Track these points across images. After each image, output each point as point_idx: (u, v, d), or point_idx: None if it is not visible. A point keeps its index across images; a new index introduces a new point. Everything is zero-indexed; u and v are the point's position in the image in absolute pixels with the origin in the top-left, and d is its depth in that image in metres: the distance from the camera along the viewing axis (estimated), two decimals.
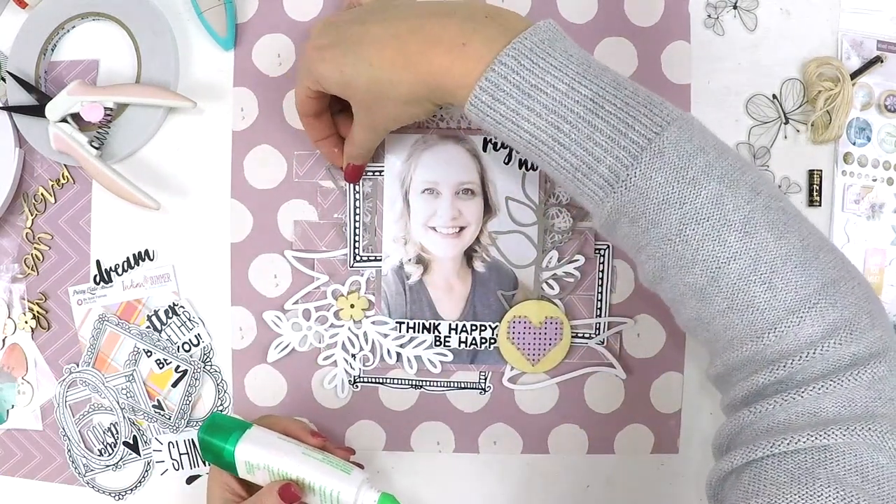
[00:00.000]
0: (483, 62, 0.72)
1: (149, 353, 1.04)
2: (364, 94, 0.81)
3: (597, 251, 1.02)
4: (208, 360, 1.05)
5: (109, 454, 1.05)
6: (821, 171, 1.03)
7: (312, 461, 0.85)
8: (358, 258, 1.02)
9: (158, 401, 1.05)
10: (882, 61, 1.02)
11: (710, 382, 0.80)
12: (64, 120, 1.00)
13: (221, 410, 1.05)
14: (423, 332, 1.03)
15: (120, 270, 1.05)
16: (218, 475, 0.89)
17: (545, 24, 0.74)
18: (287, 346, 1.03)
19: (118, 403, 1.05)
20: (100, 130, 1.02)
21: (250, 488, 0.88)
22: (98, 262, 1.05)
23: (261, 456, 0.84)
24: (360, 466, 0.89)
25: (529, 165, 1.01)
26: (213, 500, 0.89)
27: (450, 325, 1.03)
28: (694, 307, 0.72)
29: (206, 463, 1.04)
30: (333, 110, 0.96)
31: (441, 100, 0.78)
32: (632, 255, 0.77)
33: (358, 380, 1.04)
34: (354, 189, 1.02)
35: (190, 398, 1.04)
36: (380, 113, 0.83)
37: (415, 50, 0.76)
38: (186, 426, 1.05)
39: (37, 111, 1.01)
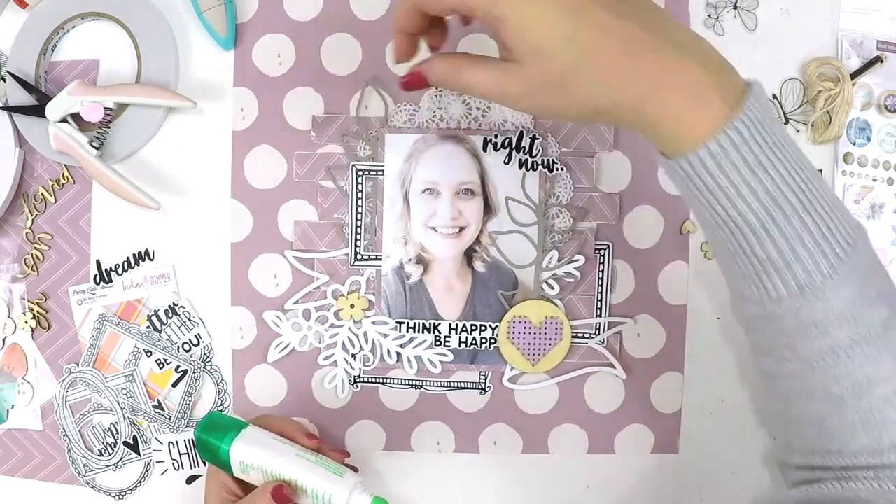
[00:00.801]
0: (715, 123, 0.64)
1: (149, 353, 1.04)
2: (548, 68, 0.66)
3: (597, 251, 1.02)
4: (208, 360, 1.05)
5: (109, 454, 1.05)
6: (821, 171, 1.03)
7: (305, 463, 0.85)
8: (358, 258, 1.02)
9: (158, 401, 1.05)
10: (882, 61, 1.02)
11: (769, 461, 0.79)
12: (64, 120, 1.00)
13: (221, 410, 1.05)
14: (423, 332, 1.03)
15: (120, 270, 1.05)
16: (215, 474, 0.89)
17: (760, 87, 0.69)
18: (287, 346, 1.03)
19: (118, 403, 1.05)
20: (100, 130, 1.02)
21: (247, 488, 0.88)
22: (98, 262, 1.05)
23: (255, 456, 0.85)
24: (355, 469, 0.89)
25: (529, 166, 1.01)
26: (210, 499, 0.89)
27: (450, 325, 1.03)
28: (820, 409, 0.71)
29: (206, 463, 1.04)
30: None
31: (640, 130, 0.69)
32: (775, 350, 0.73)
33: (358, 380, 1.04)
34: (356, 189, 1.02)
35: (190, 398, 1.04)
36: (549, 93, 0.68)
37: (648, 71, 0.65)
38: (186, 426, 1.05)
39: (37, 111, 1.01)
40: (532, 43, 0.65)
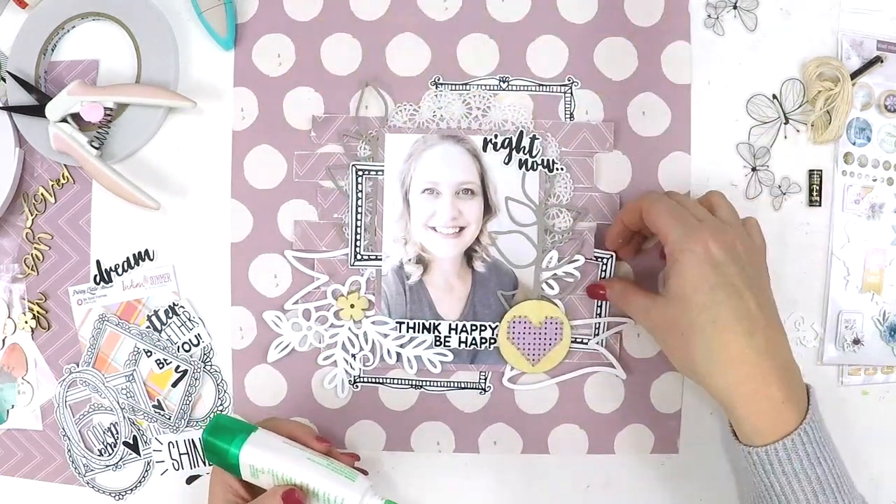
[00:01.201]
0: (789, 424, 0.83)
1: (149, 353, 1.04)
2: (682, 314, 0.86)
3: (598, 258, 1.02)
4: (208, 360, 1.05)
5: (109, 454, 1.05)
6: (821, 171, 1.03)
7: (317, 467, 0.85)
8: (358, 258, 1.02)
9: (158, 401, 1.05)
10: (882, 61, 1.02)
11: None
12: (64, 120, 1.00)
13: (221, 410, 1.05)
14: (423, 332, 1.03)
15: (120, 270, 1.05)
16: (221, 476, 0.89)
17: (813, 390, 0.87)
18: (287, 346, 1.03)
19: (118, 403, 1.05)
20: (100, 130, 1.02)
21: (253, 490, 0.88)
22: (98, 262, 1.05)
23: (265, 460, 0.85)
24: (364, 472, 0.89)
25: (529, 166, 1.01)
26: (215, 501, 0.89)
27: (450, 325, 1.02)
28: None
29: (207, 463, 1.04)
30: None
31: (724, 408, 0.87)
32: None
33: (358, 380, 1.04)
34: (356, 189, 1.02)
35: (190, 398, 1.04)
36: (673, 334, 0.88)
37: (751, 374, 0.83)
38: (186, 426, 1.05)
39: (37, 111, 1.01)
40: (682, 288, 0.85)
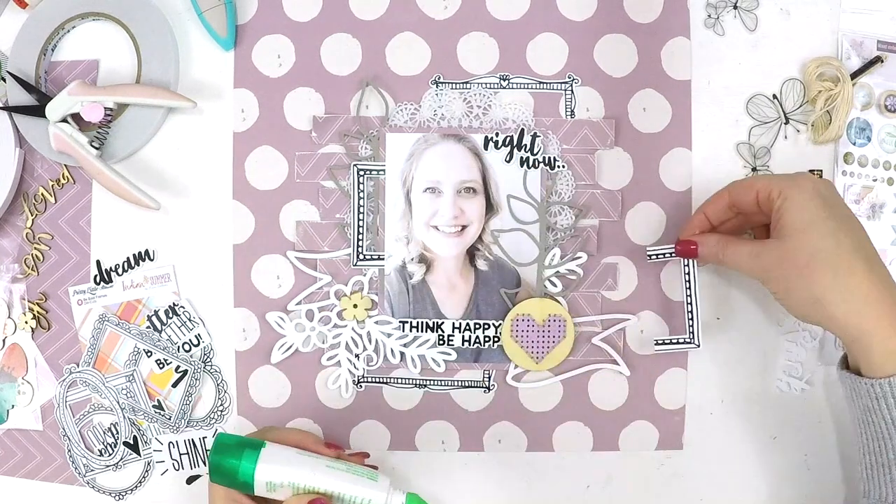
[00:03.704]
0: None
1: (149, 353, 1.04)
2: (802, 247, 0.86)
3: (656, 256, 1.02)
4: (208, 360, 1.04)
5: (109, 454, 1.05)
6: (821, 170, 1.03)
7: (338, 472, 0.85)
8: (360, 258, 1.02)
9: (158, 401, 1.05)
10: (882, 61, 1.03)
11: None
12: (64, 120, 1.00)
13: (221, 410, 1.05)
14: (426, 332, 1.03)
15: (120, 270, 1.05)
16: (224, 492, 0.87)
17: None
18: (290, 346, 1.03)
19: (118, 403, 1.04)
20: (100, 130, 1.02)
21: (257, 501, 0.87)
22: (98, 262, 1.05)
23: (284, 474, 0.84)
24: (375, 468, 0.89)
25: (531, 163, 1.02)
26: None
27: (453, 323, 1.03)
28: None
29: (206, 463, 1.03)
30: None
31: (845, 340, 0.86)
32: None
33: (362, 380, 1.04)
34: (357, 189, 1.02)
35: (190, 398, 1.04)
36: (790, 272, 0.87)
37: (879, 300, 0.83)
38: (186, 426, 1.05)
39: (37, 111, 1.01)
40: (799, 221, 0.85)
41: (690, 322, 0.99)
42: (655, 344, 1.00)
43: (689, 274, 0.98)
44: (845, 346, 0.88)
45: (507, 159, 1.02)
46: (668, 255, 0.99)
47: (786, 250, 0.86)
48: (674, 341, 1.00)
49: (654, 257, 1.00)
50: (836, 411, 1.02)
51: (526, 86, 1.03)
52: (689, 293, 0.99)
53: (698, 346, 0.99)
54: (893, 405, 0.82)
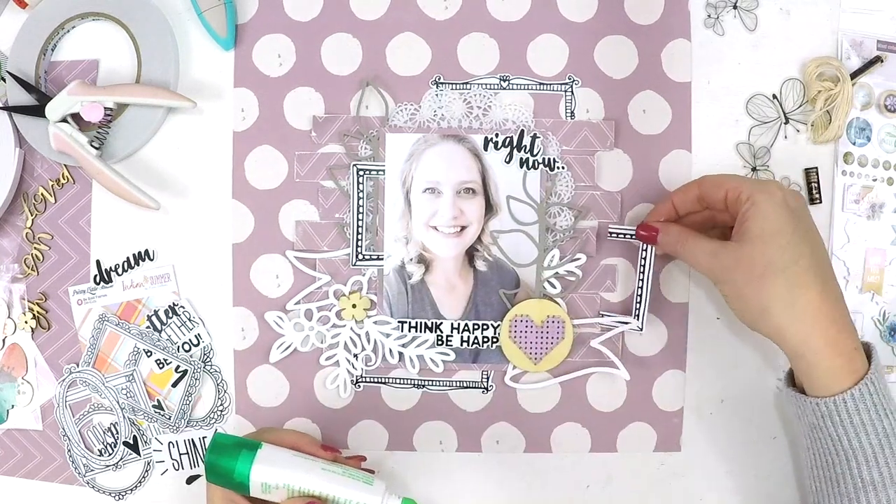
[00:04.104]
0: (858, 376, 0.83)
1: (149, 353, 1.04)
2: (761, 253, 0.86)
3: (617, 235, 1.01)
4: (208, 359, 1.04)
5: (109, 454, 1.05)
6: (816, 168, 1.03)
7: (333, 476, 0.86)
8: (360, 258, 1.02)
9: (158, 401, 1.05)
10: (882, 61, 1.03)
11: None
12: (64, 120, 1.00)
13: (221, 410, 1.05)
14: (425, 332, 1.03)
15: (120, 270, 1.05)
16: (221, 492, 0.87)
17: (873, 345, 0.88)
18: (289, 346, 1.03)
19: (118, 403, 1.05)
20: (100, 130, 1.02)
21: (253, 499, 0.87)
22: (98, 262, 1.05)
23: (280, 476, 0.84)
24: (371, 472, 0.89)
25: (530, 164, 1.02)
26: None
27: (452, 324, 1.03)
28: None
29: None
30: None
31: (790, 357, 0.88)
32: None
33: (360, 380, 1.04)
34: (357, 189, 1.02)
35: (190, 398, 1.04)
36: (747, 276, 0.86)
37: (829, 325, 0.84)
38: (186, 426, 1.05)
39: (37, 111, 1.01)
40: (763, 228, 0.85)
41: (638, 305, 1.01)
42: (608, 235, 1.02)
43: (645, 259, 0.99)
44: (790, 361, 0.88)
45: (507, 160, 1.02)
46: (630, 237, 1.00)
47: (744, 255, 0.86)
48: (619, 320, 1.02)
49: (614, 235, 1.00)
50: None
51: (526, 87, 1.03)
52: (641, 277, 1.00)
53: (641, 329, 1.01)
54: (839, 422, 0.83)
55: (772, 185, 0.88)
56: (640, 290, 1.00)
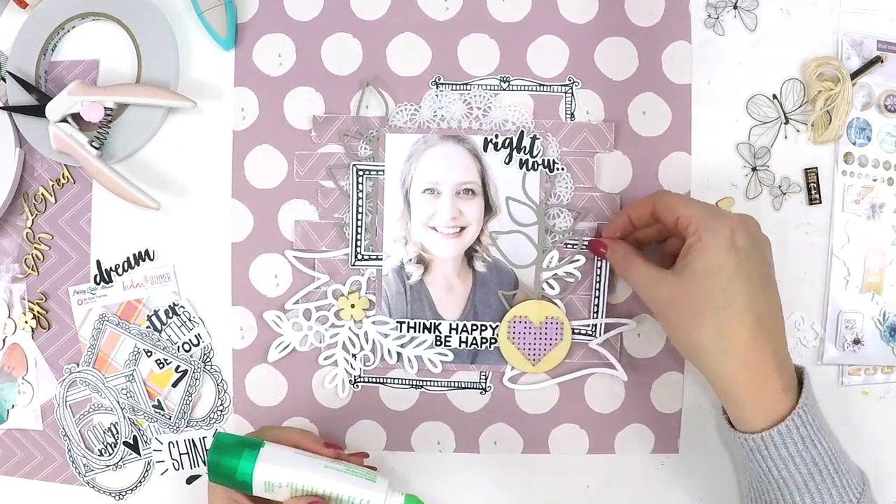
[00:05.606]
0: (783, 409, 0.84)
1: (149, 353, 1.04)
2: (696, 291, 0.86)
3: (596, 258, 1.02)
4: (208, 359, 1.05)
5: (109, 454, 1.05)
6: (816, 168, 1.02)
7: (337, 473, 0.86)
8: (358, 258, 1.02)
9: (158, 401, 1.05)
10: (882, 61, 1.02)
11: None
12: (64, 120, 1.00)
13: (221, 410, 1.05)
14: (423, 332, 1.03)
15: (120, 270, 1.05)
16: (223, 492, 0.88)
17: (807, 373, 0.89)
18: (288, 345, 1.03)
19: (118, 403, 1.05)
20: (100, 130, 1.02)
21: (256, 501, 0.88)
22: (98, 262, 1.05)
23: (283, 475, 0.84)
24: (374, 469, 0.90)
25: (530, 166, 1.01)
26: None
27: (450, 324, 1.03)
28: None
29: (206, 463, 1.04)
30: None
31: (720, 396, 0.88)
32: None
33: (358, 380, 1.04)
34: (356, 189, 1.02)
35: (190, 398, 1.04)
36: (682, 311, 0.87)
37: (755, 370, 0.85)
38: (186, 426, 1.05)
39: (37, 111, 1.01)
40: (704, 266, 0.85)
41: (595, 315, 1.02)
42: (564, 245, 1.03)
43: (600, 269, 1.02)
44: (719, 397, 0.89)
45: (507, 161, 1.02)
46: (583, 247, 1.02)
47: (682, 290, 0.87)
48: (576, 330, 1.03)
49: (571, 245, 1.02)
50: (834, 412, 1.01)
51: (526, 88, 1.03)
52: (597, 287, 1.03)
53: (599, 339, 1.03)
54: (767, 456, 0.85)
55: (721, 223, 0.87)
56: (595, 300, 1.02)
